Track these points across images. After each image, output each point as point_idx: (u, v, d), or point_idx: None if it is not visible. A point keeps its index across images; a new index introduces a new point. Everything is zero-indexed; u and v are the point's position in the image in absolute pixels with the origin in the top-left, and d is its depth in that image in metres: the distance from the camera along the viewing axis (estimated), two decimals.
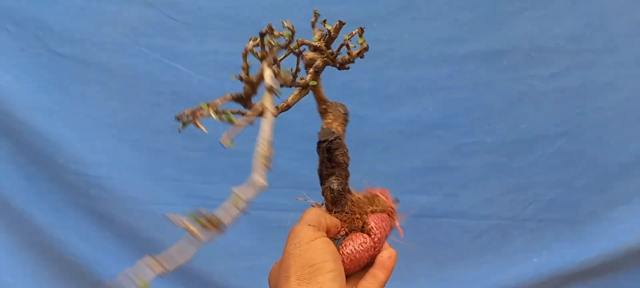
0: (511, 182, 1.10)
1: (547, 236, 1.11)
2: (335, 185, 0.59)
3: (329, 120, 0.61)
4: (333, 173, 0.59)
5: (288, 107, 0.58)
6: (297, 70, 0.57)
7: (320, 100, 0.62)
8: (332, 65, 0.59)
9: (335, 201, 0.58)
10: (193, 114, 0.52)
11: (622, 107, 1.05)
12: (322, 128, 0.60)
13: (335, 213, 0.58)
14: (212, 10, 1.02)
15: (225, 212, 0.39)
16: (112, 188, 1.10)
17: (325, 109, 0.62)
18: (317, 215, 0.54)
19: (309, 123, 1.09)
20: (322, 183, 0.60)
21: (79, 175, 1.09)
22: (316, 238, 0.51)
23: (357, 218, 0.58)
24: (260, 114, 0.50)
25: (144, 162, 1.10)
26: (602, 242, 1.09)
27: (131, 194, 1.11)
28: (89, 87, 1.06)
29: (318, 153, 0.59)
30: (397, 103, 1.07)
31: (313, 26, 0.58)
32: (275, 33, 0.53)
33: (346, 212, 0.58)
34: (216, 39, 1.03)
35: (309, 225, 0.52)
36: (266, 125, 0.45)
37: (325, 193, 0.59)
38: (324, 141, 0.59)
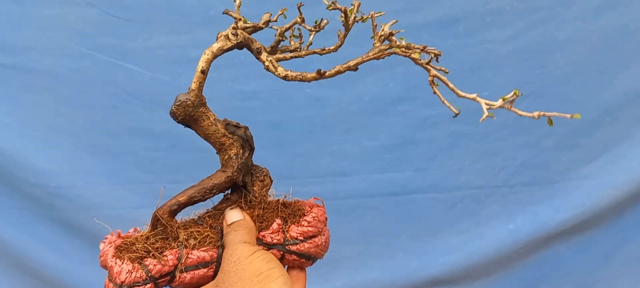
0: (479, 149, 1.09)
1: (520, 200, 1.11)
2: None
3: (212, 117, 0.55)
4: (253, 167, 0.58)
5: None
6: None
7: (201, 93, 0.54)
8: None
9: None
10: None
11: (582, 62, 1.04)
12: (227, 121, 0.56)
13: (265, 205, 0.57)
14: (156, 4, 1.00)
15: None
16: (76, 196, 1.08)
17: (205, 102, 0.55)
18: (249, 229, 0.54)
19: (268, 110, 1.08)
20: (245, 179, 0.56)
21: (40, 187, 1.07)
22: (255, 252, 0.51)
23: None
24: None
25: (105, 166, 1.08)
26: (575, 200, 1.09)
27: (96, 200, 1.08)
28: (39, 95, 1.03)
29: (251, 147, 0.57)
30: (356, 81, 1.05)
31: None
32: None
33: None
34: (163, 33, 1.01)
35: (244, 242, 0.52)
36: None
37: (266, 181, 0.58)
38: (250, 136, 0.57)
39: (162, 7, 1.00)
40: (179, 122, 0.54)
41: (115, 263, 0.51)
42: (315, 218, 0.55)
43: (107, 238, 0.57)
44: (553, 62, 1.04)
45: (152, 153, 1.07)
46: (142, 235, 0.54)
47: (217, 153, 0.56)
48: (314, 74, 0.53)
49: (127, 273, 0.51)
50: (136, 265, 0.51)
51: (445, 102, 0.50)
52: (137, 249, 0.52)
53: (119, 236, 0.56)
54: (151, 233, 0.54)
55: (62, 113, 1.04)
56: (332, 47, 0.56)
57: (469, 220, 1.12)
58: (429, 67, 0.51)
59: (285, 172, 1.08)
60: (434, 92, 0.51)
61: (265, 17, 0.56)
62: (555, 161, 1.09)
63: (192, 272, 0.52)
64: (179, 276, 0.52)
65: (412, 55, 0.51)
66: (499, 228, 1.12)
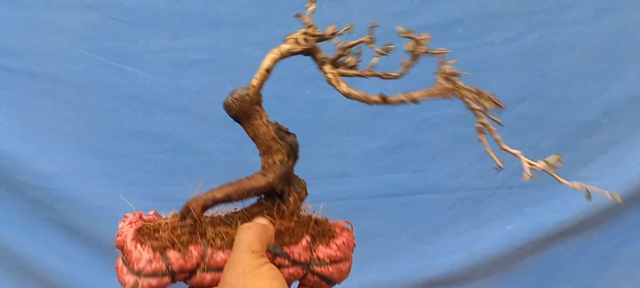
0: (478, 151, 1.07)
1: (519, 201, 1.11)
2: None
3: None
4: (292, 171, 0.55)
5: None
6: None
7: (260, 91, 0.54)
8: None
9: None
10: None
11: (581, 64, 1.05)
12: (279, 125, 0.54)
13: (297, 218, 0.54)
14: (157, 7, 1.00)
15: None
16: (78, 199, 1.08)
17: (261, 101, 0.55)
18: (259, 235, 0.49)
19: (269, 112, 1.08)
20: (283, 187, 0.53)
21: (42, 190, 1.07)
22: (261, 266, 0.47)
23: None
24: None
25: (107, 169, 1.08)
26: (574, 201, 1.09)
27: (98, 203, 1.09)
28: (41, 99, 1.04)
29: (296, 156, 0.54)
30: (356, 83, 1.05)
31: None
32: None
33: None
34: (165, 36, 1.01)
35: (252, 251, 0.47)
36: None
37: (303, 194, 0.55)
38: (297, 145, 0.54)
39: (163, 10, 1.00)
40: (231, 116, 0.51)
41: (135, 247, 0.47)
42: (345, 243, 0.54)
43: (127, 217, 0.53)
44: (552, 64, 1.04)
45: (153, 155, 1.07)
46: (167, 224, 0.50)
47: (260, 155, 0.53)
48: (377, 98, 0.52)
49: (147, 261, 0.47)
50: (157, 254, 0.47)
51: (491, 153, 0.50)
52: (161, 238, 0.48)
53: (141, 217, 0.52)
54: (179, 224, 0.50)
55: (63, 116, 1.05)
56: (395, 74, 0.54)
57: (468, 221, 1.13)
58: (481, 114, 0.50)
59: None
60: (480, 140, 0.50)
61: (331, 29, 0.53)
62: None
63: (213, 273, 0.49)
64: (200, 275, 0.49)
65: (475, 105, 0.50)
66: (498, 230, 1.12)
